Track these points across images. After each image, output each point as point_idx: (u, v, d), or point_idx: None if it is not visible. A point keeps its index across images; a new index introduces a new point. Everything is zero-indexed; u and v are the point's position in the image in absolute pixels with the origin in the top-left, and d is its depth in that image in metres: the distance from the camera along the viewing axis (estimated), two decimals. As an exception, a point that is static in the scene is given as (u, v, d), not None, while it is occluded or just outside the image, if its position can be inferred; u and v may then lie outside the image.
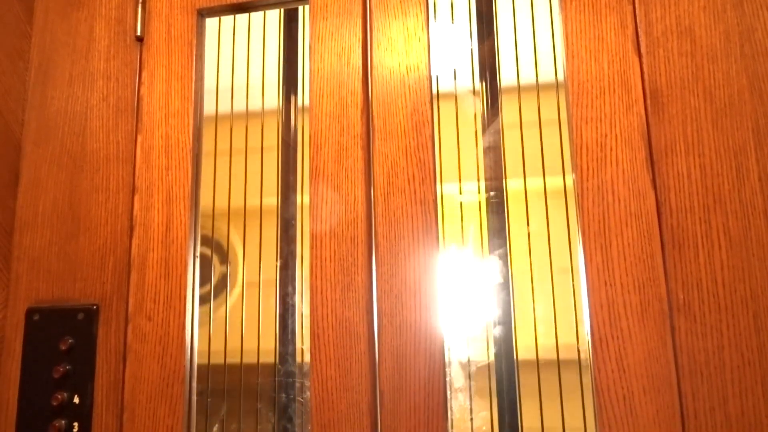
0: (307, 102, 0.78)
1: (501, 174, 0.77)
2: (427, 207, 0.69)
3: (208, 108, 0.83)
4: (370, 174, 0.73)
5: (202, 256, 0.79)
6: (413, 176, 0.71)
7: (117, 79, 0.82)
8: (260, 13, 0.84)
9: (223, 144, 0.83)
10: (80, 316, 0.76)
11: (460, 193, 0.76)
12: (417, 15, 0.74)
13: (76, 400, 0.73)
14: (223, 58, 0.84)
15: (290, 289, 0.76)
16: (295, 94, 0.82)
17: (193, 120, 0.79)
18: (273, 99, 0.83)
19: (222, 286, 0.79)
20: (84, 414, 0.73)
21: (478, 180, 0.78)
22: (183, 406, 0.72)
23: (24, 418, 0.74)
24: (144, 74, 0.81)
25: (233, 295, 0.78)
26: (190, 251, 0.75)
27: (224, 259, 0.80)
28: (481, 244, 0.75)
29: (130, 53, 0.82)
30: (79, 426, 0.73)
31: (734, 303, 0.60)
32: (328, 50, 0.76)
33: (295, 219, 0.78)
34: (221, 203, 0.81)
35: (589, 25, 0.69)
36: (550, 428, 0.67)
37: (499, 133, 0.79)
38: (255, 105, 0.84)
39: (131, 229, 0.77)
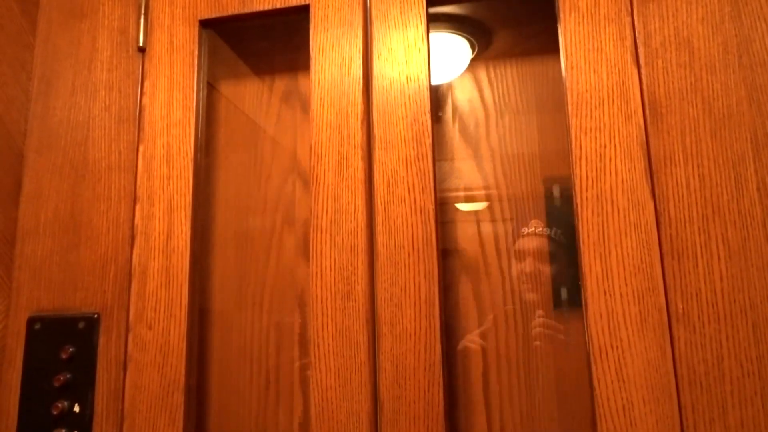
0: None
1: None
2: (427, 216, 0.70)
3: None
4: (371, 183, 0.73)
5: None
6: (413, 185, 0.71)
7: (119, 89, 0.83)
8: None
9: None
10: (81, 325, 0.76)
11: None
12: (417, 26, 0.75)
13: (77, 409, 0.74)
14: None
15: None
16: None
17: (194, 129, 0.79)
18: None
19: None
20: (84, 423, 0.73)
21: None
22: (183, 415, 0.72)
23: (25, 427, 0.74)
24: (146, 84, 0.82)
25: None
26: (191, 260, 0.76)
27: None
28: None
29: (132, 63, 0.83)
30: (79, 435, 0.73)
31: (733, 313, 0.60)
32: (329, 61, 0.76)
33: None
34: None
35: (588, 37, 0.69)
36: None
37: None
38: None
39: (132, 238, 0.78)
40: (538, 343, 0.79)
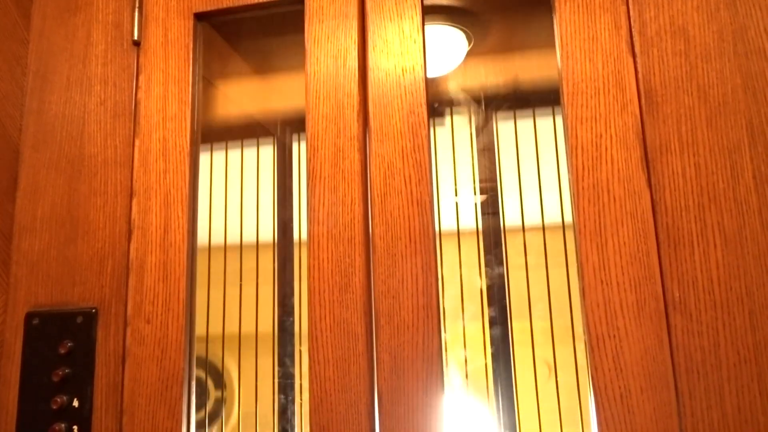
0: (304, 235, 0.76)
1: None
2: (424, 208, 0.70)
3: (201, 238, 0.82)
4: (367, 175, 0.73)
5: (197, 380, 0.77)
6: (410, 177, 0.71)
7: (114, 84, 0.82)
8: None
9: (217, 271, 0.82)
10: (79, 319, 0.76)
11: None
12: (412, 17, 0.75)
13: (76, 403, 0.74)
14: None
15: (287, 400, 0.76)
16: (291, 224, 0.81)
17: (190, 123, 0.79)
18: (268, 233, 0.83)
19: (217, 412, 0.78)
20: (84, 417, 0.73)
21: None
22: (182, 408, 0.72)
23: (24, 422, 0.74)
24: (141, 78, 0.82)
25: (230, 425, 0.77)
26: (188, 254, 0.76)
27: (219, 383, 0.79)
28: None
29: (127, 57, 0.83)
30: (78, 429, 0.73)
31: (730, 300, 0.60)
32: (324, 53, 0.76)
33: (293, 344, 0.77)
34: (215, 329, 0.80)
35: (583, 26, 0.69)
36: None
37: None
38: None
39: (129, 232, 0.78)
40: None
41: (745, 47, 0.65)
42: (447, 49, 0.92)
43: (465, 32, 0.92)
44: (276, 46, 0.97)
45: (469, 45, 0.92)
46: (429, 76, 0.75)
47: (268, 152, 0.86)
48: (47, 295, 0.78)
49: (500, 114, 0.86)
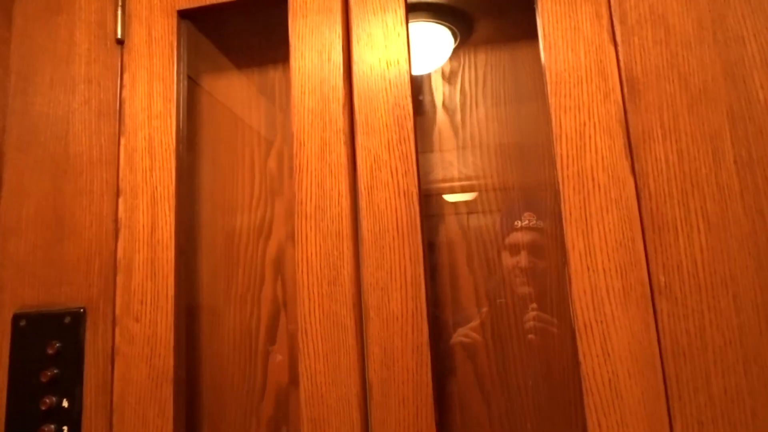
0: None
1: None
2: (411, 199, 0.70)
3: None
4: (354, 168, 0.73)
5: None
6: (396, 169, 0.71)
7: (98, 83, 0.82)
8: None
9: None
10: (67, 320, 0.75)
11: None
12: (395, 10, 0.75)
13: (65, 404, 0.73)
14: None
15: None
16: None
17: (176, 121, 0.79)
18: None
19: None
20: (73, 418, 0.73)
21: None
22: (172, 406, 0.71)
23: (13, 424, 0.74)
24: (125, 77, 0.82)
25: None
26: (176, 251, 0.75)
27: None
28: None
29: (111, 56, 0.83)
30: (68, 430, 0.72)
31: (714, 284, 0.61)
32: (309, 47, 0.76)
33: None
34: None
35: (565, 16, 0.70)
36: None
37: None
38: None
39: (116, 231, 0.77)
40: (531, 336, 0.79)
41: (725, 34, 0.66)
42: (434, 46, 0.92)
43: (451, 29, 0.92)
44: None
45: (456, 42, 0.93)
46: (417, 73, 0.75)
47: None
48: (34, 296, 0.78)
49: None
